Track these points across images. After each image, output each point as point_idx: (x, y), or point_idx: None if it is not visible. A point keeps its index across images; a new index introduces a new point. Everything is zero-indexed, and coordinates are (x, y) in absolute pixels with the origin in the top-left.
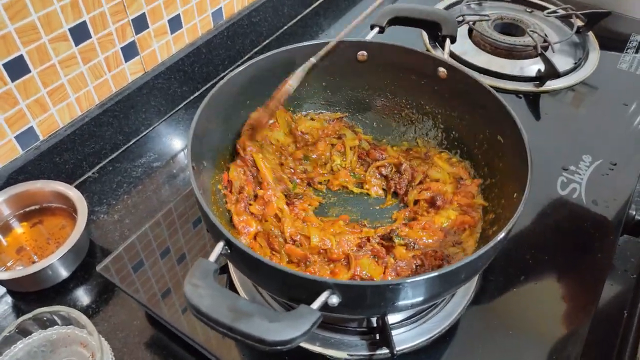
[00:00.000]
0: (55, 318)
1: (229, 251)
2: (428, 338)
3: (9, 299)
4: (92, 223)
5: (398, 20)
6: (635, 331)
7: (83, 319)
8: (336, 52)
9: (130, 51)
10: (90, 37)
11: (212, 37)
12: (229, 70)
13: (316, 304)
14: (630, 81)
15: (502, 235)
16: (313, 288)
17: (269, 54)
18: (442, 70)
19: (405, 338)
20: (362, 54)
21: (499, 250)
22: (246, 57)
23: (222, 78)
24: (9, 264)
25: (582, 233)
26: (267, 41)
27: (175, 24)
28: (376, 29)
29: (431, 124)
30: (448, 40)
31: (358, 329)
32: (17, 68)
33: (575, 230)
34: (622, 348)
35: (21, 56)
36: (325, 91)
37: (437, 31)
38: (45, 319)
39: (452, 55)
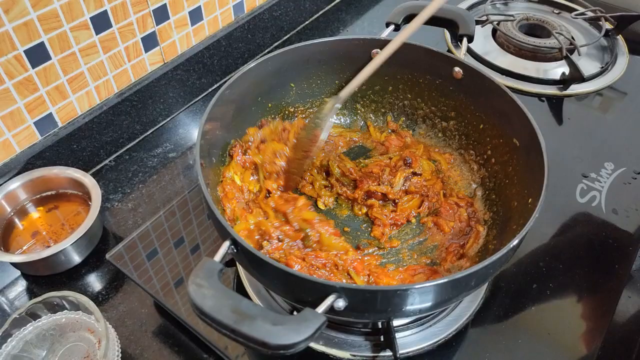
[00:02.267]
0: (65, 303)
1: (235, 251)
2: (433, 343)
3: (23, 282)
4: (106, 210)
5: (413, 18)
6: None
7: (91, 305)
8: (350, 50)
9: (150, 42)
10: (111, 26)
11: (232, 30)
12: (248, 63)
13: (322, 308)
14: None
15: (515, 242)
16: (319, 291)
17: (279, 51)
18: (457, 70)
19: (410, 341)
20: (376, 52)
21: (510, 257)
22: (266, 50)
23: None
24: (24, 247)
25: (599, 243)
26: (287, 36)
27: (196, 15)
28: (391, 27)
29: (445, 124)
30: (465, 40)
31: (362, 330)
32: (38, 55)
33: (592, 240)
34: None
35: (42, 43)
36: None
37: (454, 29)
38: (55, 303)
39: (474, 55)
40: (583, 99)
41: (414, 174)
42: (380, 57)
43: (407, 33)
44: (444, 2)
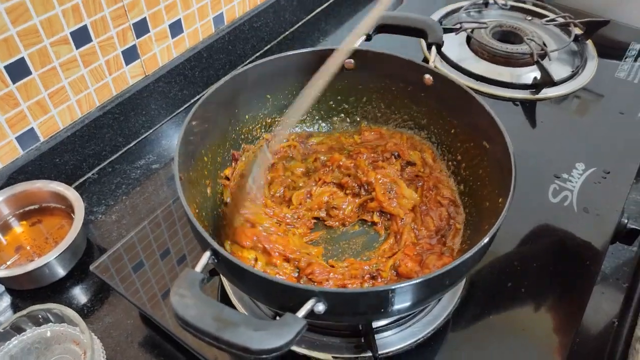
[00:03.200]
0: (49, 316)
1: (215, 261)
2: (413, 342)
3: (7, 297)
4: (90, 223)
5: (385, 28)
6: (625, 340)
7: (76, 317)
8: (324, 60)
9: (131, 55)
10: (91, 40)
11: (213, 41)
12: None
13: (302, 312)
14: (628, 90)
15: (485, 240)
16: (299, 296)
17: (253, 64)
18: (427, 77)
19: (390, 342)
20: (350, 62)
21: (482, 256)
22: (247, 61)
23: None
24: (8, 262)
25: (571, 241)
26: (268, 46)
27: (176, 28)
28: (363, 37)
29: (419, 131)
30: (434, 48)
31: (343, 332)
32: (18, 70)
33: (564, 238)
34: (611, 357)
35: (22, 59)
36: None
37: (424, 38)
38: (39, 316)
39: (449, 62)
40: (554, 102)
41: (409, 163)
42: (302, 106)
43: (334, 62)
44: (378, 14)
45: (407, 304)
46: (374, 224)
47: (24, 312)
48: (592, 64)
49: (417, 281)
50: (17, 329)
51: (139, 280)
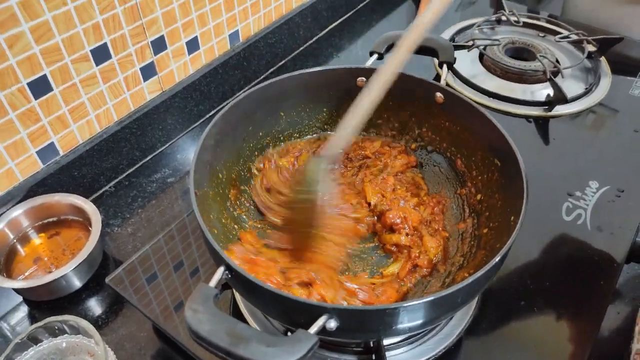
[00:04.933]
0: (65, 327)
1: (229, 276)
2: None
3: (24, 307)
4: (106, 235)
5: None
6: None
7: (91, 328)
8: (336, 79)
9: (149, 71)
10: (111, 57)
11: (228, 58)
12: (244, 89)
13: (314, 329)
14: None
15: (497, 259)
16: (311, 312)
17: (267, 82)
18: (439, 95)
19: (401, 359)
20: (362, 80)
21: (495, 274)
22: (262, 77)
23: (237, 97)
24: (26, 273)
25: (585, 259)
26: (282, 62)
27: (192, 45)
28: (375, 56)
29: (431, 146)
30: (445, 66)
31: (355, 349)
32: (40, 87)
33: (578, 257)
34: None
35: (44, 76)
36: (327, 116)
37: (436, 57)
38: (55, 327)
39: (462, 78)
40: (567, 119)
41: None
42: (362, 111)
43: (385, 75)
44: (418, 38)
45: (419, 321)
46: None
47: (41, 323)
48: (606, 81)
49: (430, 299)
50: (33, 339)
51: (152, 292)
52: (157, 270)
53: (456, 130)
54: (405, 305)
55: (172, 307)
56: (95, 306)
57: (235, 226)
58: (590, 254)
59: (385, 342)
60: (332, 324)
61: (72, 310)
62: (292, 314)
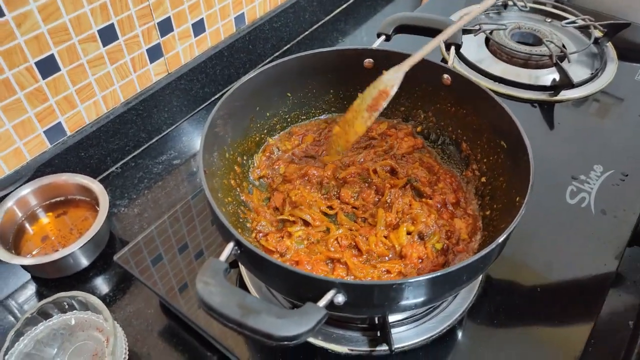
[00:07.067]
0: (74, 303)
1: (238, 252)
2: (427, 337)
3: (33, 285)
4: (113, 216)
5: (403, 29)
6: None
7: (99, 304)
8: (343, 60)
9: (155, 53)
10: (118, 38)
11: (234, 40)
12: (249, 73)
13: (322, 302)
14: None
15: (502, 238)
16: (320, 287)
17: (275, 63)
18: (446, 77)
19: (405, 336)
20: (369, 62)
21: (499, 253)
22: (267, 60)
23: (245, 77)
24: (34, 252)
25: (588, 241)
26: (288, 46)
27: (199, 27)
28: (382, 37)
29: (436, 129)
30: (453, 48)
31: (360, 326)
32: (48, 66)
33: (581, 238)
34: (628, 357)
35: (52, 55)
36: (333, 98)
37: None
38: (64, 303)
39: (468, 63)
40: (572, 104)
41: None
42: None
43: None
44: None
45: (424, 298)
46: None
47: (50, 298)
48: (612, 66)
49: (435, 275)
50: (43, 314)
51: (158, 273)
52: (162, 251)
53: (462, 113)
54: (411, 280)
55: (177, 288)
56: (102, 284)
57: (241, 207)
58: (594, 236)
59: (390, 319)
60: (340, 299)
61: (80, 288)
62: (301, 289)
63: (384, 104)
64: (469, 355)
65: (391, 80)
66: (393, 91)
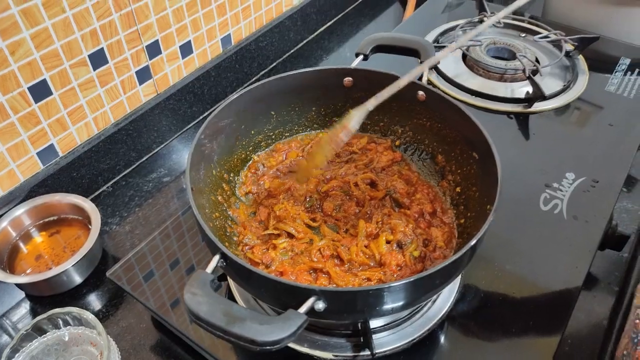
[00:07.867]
0: (68, 319)
1: (224, 263)
2: (408, 342)
3: (27, 303)
4: (105, 234)
5: (380, 48)
6: (614, 340)
7: (93, 319)
8: (324, 79)
9: (144, 75)
10: (108, 62)
11: (221, 61)
12: (237, 91)
13: (303, 309)
14: (617, 103)
15: (472, 242)
16: (301, 294)
17: (259, 83)
18: (421, 93)
19: (387, 341)
20: (349, 80)
21: (471, 258)
22: (254, 79)
23: (230, 97)
24: (28, 271)
25: (561, 246)
26: (273, 64)
27: (186, 49)
28: (360, 57)
29: (414, 142)
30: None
31: (344, 332)
32: (40, 91)
33: (554, 243)
34: (602, 353)
35: (44, 80)
36: (315, 115)
37: (418, 57)
38: (59, 319)
39: (446, 78)
40: (546, 115)
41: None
42: (403, 80)
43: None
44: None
45: (402, 302)
46: None
47: (45, 315)
48: (583, 78)
49: (410, 280)
50: (38, 330)
51: (150, 288)
52: (153, 267)
53: (437, 127)
54: (387, 286)
55: (168, 303)
56: (95, 300)
57: (228, 222)
58: (566, 241)
59: (372, 325)
60: (320, 305)
61: (74, 304)
62: (283, 297)
63: (345, 139)
64: (451, 357)
65: (353, 116)
66: (352, 126)
